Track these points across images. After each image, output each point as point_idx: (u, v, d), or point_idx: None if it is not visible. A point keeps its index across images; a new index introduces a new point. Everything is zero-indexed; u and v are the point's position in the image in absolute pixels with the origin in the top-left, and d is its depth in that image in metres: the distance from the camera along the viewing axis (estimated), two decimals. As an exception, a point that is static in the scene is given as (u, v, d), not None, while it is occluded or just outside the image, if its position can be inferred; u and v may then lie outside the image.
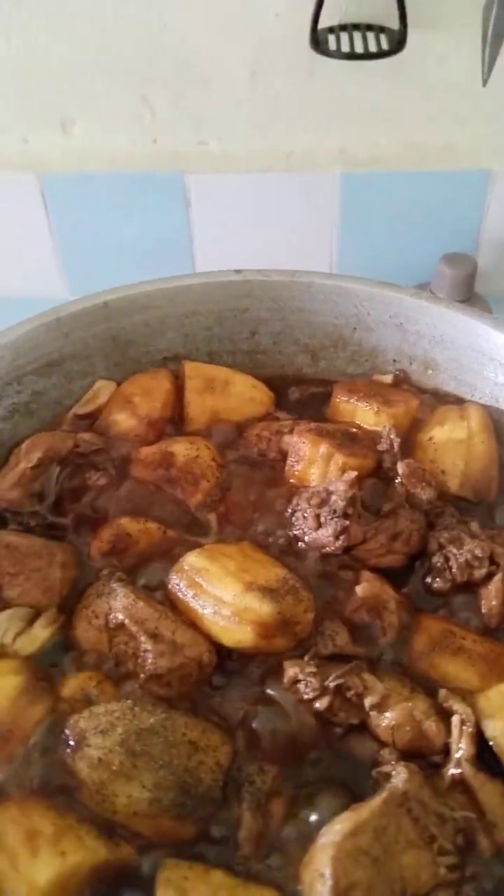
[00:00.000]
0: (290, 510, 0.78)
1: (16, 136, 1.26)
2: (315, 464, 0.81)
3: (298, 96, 1.20)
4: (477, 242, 1.34)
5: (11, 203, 1.32)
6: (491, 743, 0.63)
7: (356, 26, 1.13)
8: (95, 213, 1.32)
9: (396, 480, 0.79)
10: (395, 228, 1.33)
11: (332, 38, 1.12)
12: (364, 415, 0.89)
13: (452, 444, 0.84)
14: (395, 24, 1.10)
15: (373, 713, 0.65)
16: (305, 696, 0.65)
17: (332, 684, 0.65)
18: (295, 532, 0.77)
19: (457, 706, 0.64)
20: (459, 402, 0.92)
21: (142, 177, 1.28)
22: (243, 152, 1.26)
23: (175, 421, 0.91)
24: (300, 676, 0.66)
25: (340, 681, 0.65)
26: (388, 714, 0.64)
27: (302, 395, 0.96)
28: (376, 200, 1.31)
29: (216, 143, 1.25)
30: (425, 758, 0.64)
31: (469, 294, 1.28)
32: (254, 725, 0.65)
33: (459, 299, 1.27)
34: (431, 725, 0.64)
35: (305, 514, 0.76)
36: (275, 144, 1.25)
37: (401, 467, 0.79)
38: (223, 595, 0.68)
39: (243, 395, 0.93)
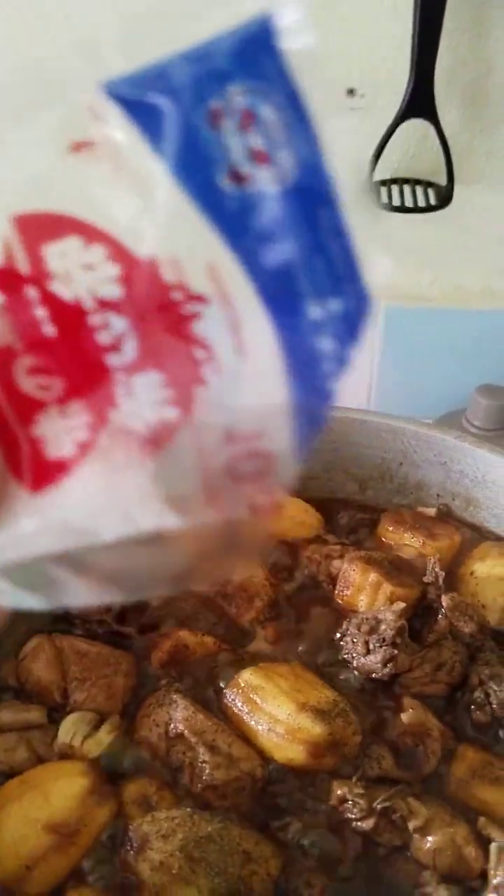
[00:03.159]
0: (339, 634, 0.83)
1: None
2: (364, 591, 0.86)
3: (348, 238, 1.29)
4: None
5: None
6: (527, 873, 0.66)
7: (406, 180, 1.24)
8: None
9: (441, 613, 0.84)
10: (433, 358, 1.40)
11: (383, 191, 1.22)
12: (410, 546, 0.94)
13: (493, 579, 0.89)
14: (443, 181, 1.19)
15: (416, 836, 0.68)
16: (352, 816, 0.69)
17: (379, 806, 0.68)
18: (344, 656, 0.81)
19: (495, 834, 0.68)
20: (499, 539, 0.97)
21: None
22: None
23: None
24: (348, 797, 0.69)
25: (388, 803, 0.68)
26: (430, 837, 0.67)
27: (350, 521, 1.02)
28: (417, 332, 1.38)
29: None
30: (463, 883, 0.66)
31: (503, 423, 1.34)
32: (301, 842, 0.68)
33: (493, 427, 1.33)
34: (471, 851, 0.67)
35: (355, 640, 0.81)
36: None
37: (445, 600, 0.84)
38: (277, 714, 0.72)
39: (295, 518, 0.98)
